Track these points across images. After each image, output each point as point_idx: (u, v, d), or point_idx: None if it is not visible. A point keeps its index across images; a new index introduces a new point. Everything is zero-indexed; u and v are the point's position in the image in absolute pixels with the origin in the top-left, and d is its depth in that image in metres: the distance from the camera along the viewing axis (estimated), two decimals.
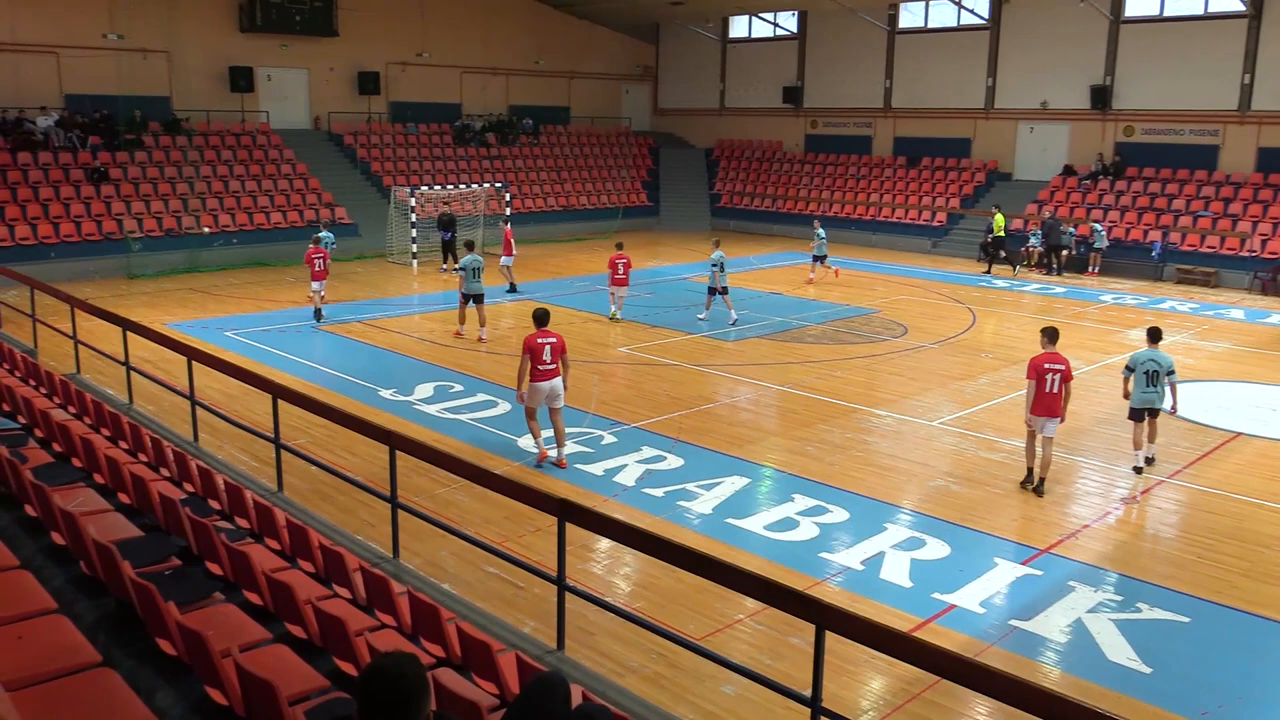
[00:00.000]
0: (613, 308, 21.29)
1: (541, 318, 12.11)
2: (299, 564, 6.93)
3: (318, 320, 20.50)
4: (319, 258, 20.53)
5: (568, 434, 12.83)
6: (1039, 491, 11.62)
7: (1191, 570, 9.72)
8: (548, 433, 12.70)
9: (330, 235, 24.30)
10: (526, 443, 12.92)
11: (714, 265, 20.91)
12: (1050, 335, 11.86)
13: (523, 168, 38.81)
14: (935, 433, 13.92)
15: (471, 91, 39.57)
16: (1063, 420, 11.74)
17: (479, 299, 19.14)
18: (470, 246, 20.20)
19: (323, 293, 20.72)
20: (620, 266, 21.09)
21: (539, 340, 11.93)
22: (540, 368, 11.90)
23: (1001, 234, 29.54)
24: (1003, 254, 29.81)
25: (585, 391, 15.58)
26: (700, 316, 21.40)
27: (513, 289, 24.32)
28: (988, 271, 29.45)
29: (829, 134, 40.20)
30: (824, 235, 26.74)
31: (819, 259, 26.70)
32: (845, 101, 39.35)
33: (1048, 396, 11.60)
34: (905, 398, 15.61)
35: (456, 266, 20.10)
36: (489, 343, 18.93)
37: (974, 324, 21.55)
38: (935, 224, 34.80)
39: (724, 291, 20.90)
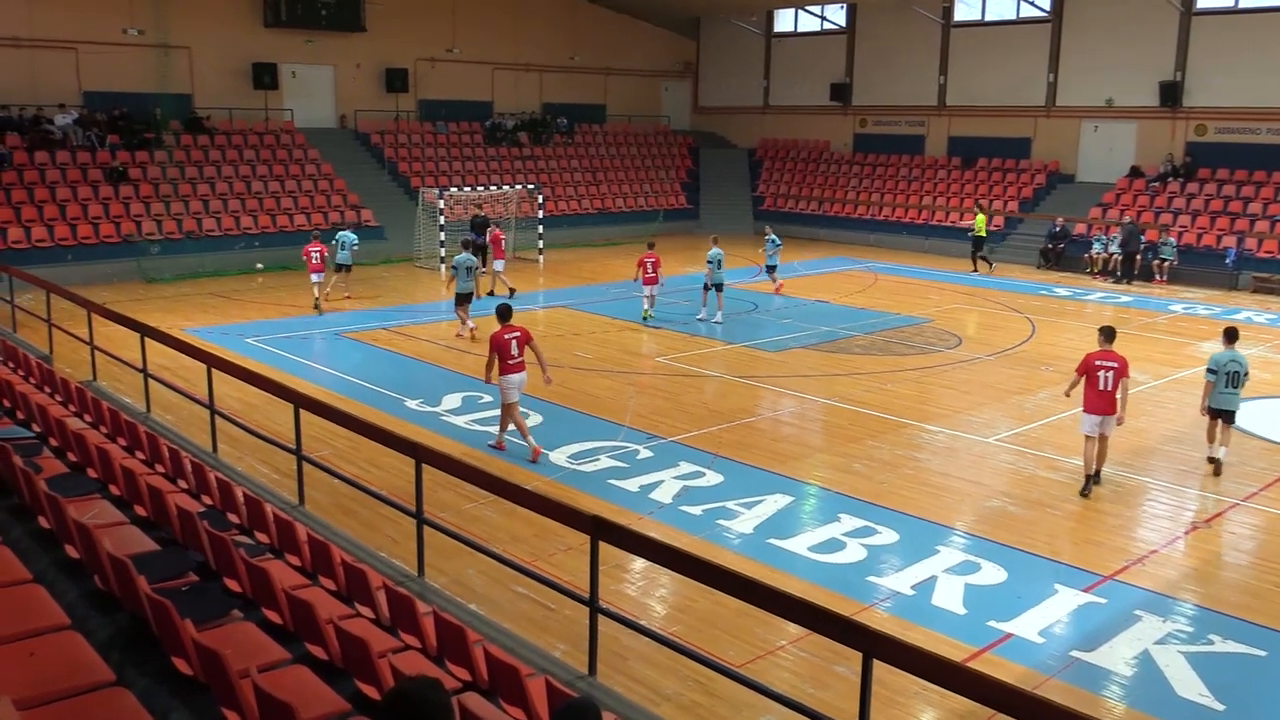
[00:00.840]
0: (645, 306, 22.12)
1: (504, 313, 13.06)
2: (320, 581, 6.97)
3: (316, 311, 22.35)
4: (316, 251, 22.43)
5: (599, 446, 12.85)
6: (1094, 482, 12.13)
7: (1269, 600, 9.54)
8: (533, 420, 12.70)
9: (353, 236, 24.57)
10: (557, 456, 12.95)
11: (710, 262, 21.79)
12: (1107, 334, 12.25)
13: (556, 168, 38.98)
14: (991, 450, 13.79)
15: (503, 89, 39.82)
16: (1120, 421, 12.15)
17: (468, 299, 20.13)
18: (465, 246, 21.06)
19: (329, 289, 22.74)
20: (650, 265, 21.87)
21: (505, 336, 12.81)
22: (509, 362, 12.80)
23: (982, 233, 31.11)
24: (980, 254, 31.17)
25: (620, 404, 15.59)
26: (700, 317, 22.12)
27: (511, 294, 24.54)
28: (974, 270, 30.83)
29: (879, 133, 40.03)
30: (778, 243, 25.58)
31: (770, 269, 25.54)
32: (897, 99, 39.18)
33: (1102, 395, 12.02)
34: (959, 412, 15.48)
35: (451, 267, 20.90)
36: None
37: (1033, 335, 21.34)
38: (992, 228, 34.49)
39: (719, 288, 21.84)
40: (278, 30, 33.45)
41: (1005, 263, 32.45)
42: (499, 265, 25.00)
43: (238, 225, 29.41)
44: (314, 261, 22.39)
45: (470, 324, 20.22)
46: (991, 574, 9.91)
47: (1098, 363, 12.03)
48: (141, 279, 26.43)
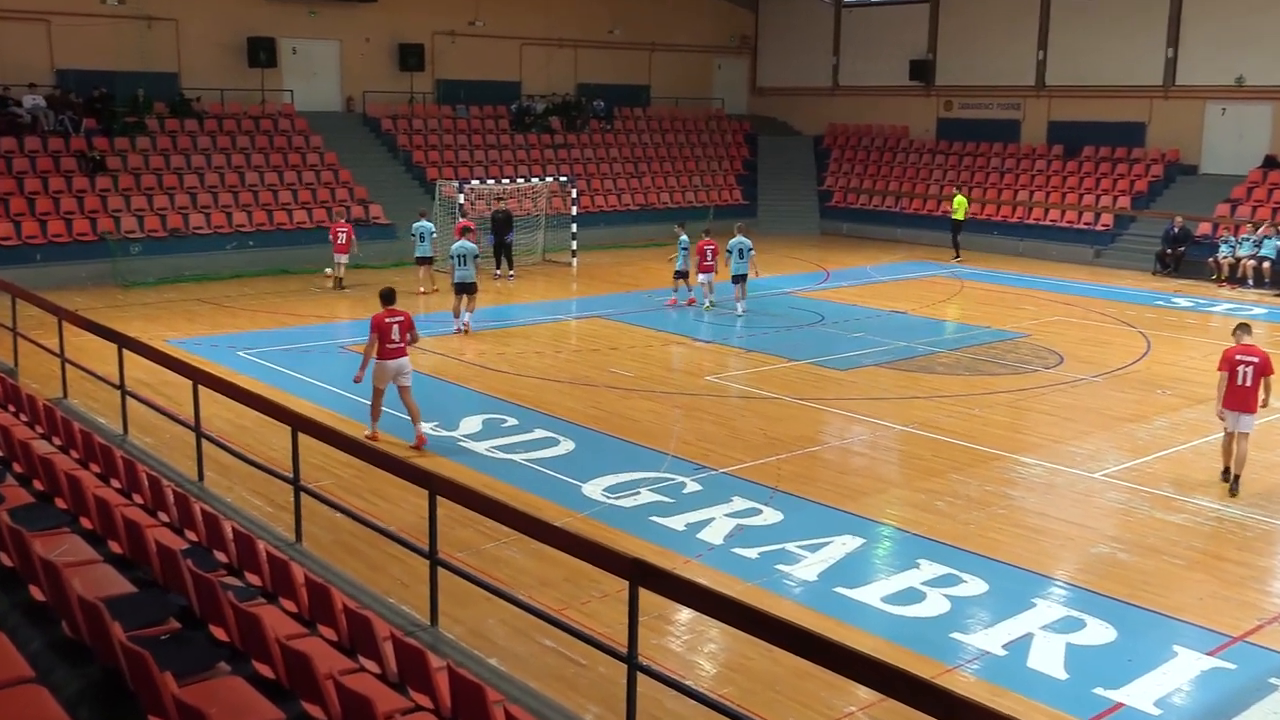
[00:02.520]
0: (708, 298, 24.55)
1: (388, 296, 14.43)
2: (319, 630, 7.00)
3: (337, 286, 26.06)
4: (343, 232, 26.12)
5: (639, 478, 12.85)
6: (1234, 491, 13.11)
7: None
8: (563, 448, 12.69)
9: (431, 225, 26.27)
10: (592, 489, 12.97)
11: (729, 251, 23.79)
12: (1244, 328, 13.46)
13: (592, 158, 39.17)
14: (1097, 487, 13.64)
15: (533, 67, 40.08)
16: (1257, 410, 13.11)
17: (470, 289, 21.59)
18: (463, 233, 22.27)
19: (344, 264, 26.28)
20: (709, 253, 24.11)
21: (387, 320, 14.16)
22: (389, 346, 14.16)
23: (960, 217, 33.37)
24: (957, 241, 33.37)
25: (664, 429, 15.59)
26: (738, 312, 23.88)
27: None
28: (956, 257, 33.16)
29: (967, 118, 39.85)
30: (686, 245, 24.83)
31: (680, 275, 25.07)
32: (987, 78, 38.97)
33: (1240, 390, 13.08)
34: (1059, 442, 15.34)
35: (450, 255, 22.09)
36: (514, 365, 19.09)
37: (1148, 352, 21.11)
38: (1099, 228, 34.22)
39: (683, 276, 24.61)
40: (276, 0, 33.89)
41: (1115, 268, 32.16)
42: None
43: (229, 222, 29.76)
44: (339, 242, 26.23)
45: (459, 320, 21.80)
46: (1098, 632, 9.78)
47: (1238, 357, 13.12)
48: (119, 283, 26.78)
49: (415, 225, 26.26)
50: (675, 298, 25.13)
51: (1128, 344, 21.88)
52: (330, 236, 26.88)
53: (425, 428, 15.18)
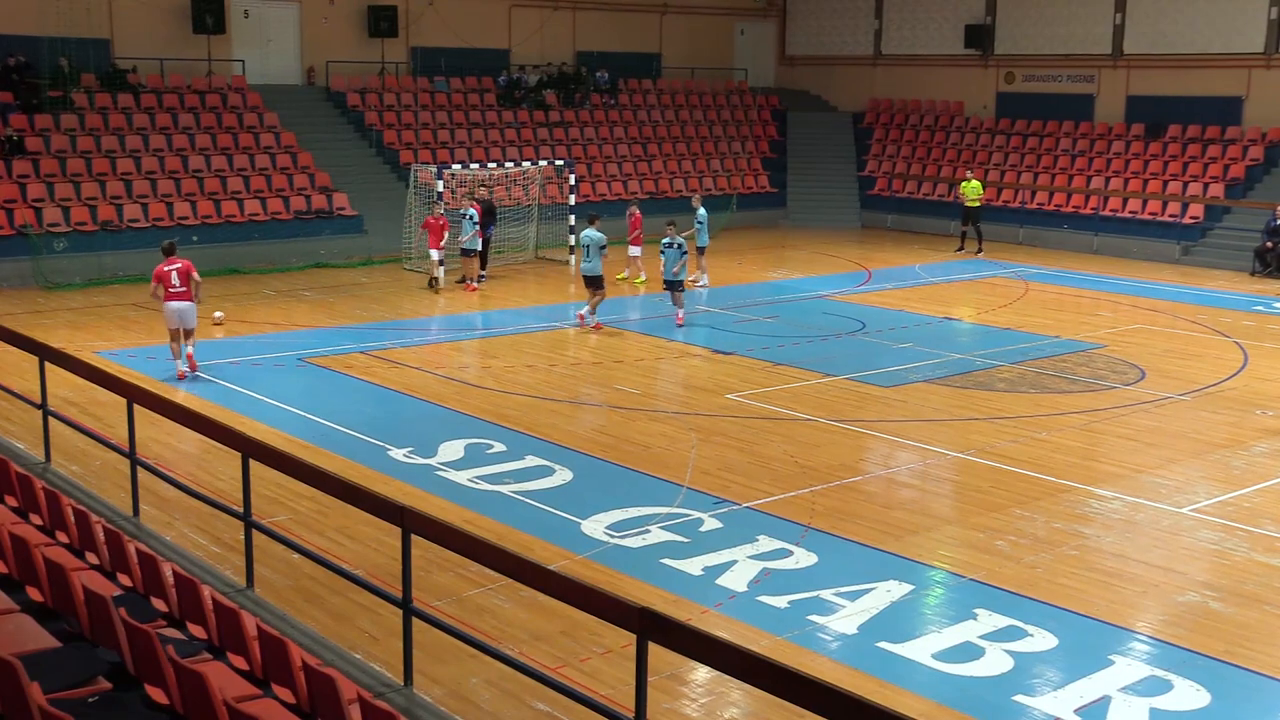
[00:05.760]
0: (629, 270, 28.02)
1: (169, 250, 18.71)
2: (274, 691, 7.00)
3: (431, 287, 27.16)
4: (440, 224, 27.00)
5: (648, 513, 12.93)
6: None
7: None
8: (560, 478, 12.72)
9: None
10: (592, 527, 12.97)
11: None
12: None
13: (594, 138, 39.24)
14: (1186, 524, 13.61)
15: (524, 32, 40.18)
16: None
17: (596, 283, 22.92)
18: (592, 220, 23.69)
19: (442, 262, 27.08)
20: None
21: (165, 268, 18.45)
22: (171, 290, 18.35)
23: (975, 203, 34.08)
24: (970, 229, 34.11)
25: (678, 456, 15.58)
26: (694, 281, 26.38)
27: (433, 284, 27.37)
28: (960, 248, 34.24)
29: (1031, 91, 39.85)
30: (679, 243, 24.11)
31: (672, 284, 24.18)
32: (1055, 46, 38.99)
33: None
34: (1141, 472, 15.32)
35: (582, 245, 23.34)
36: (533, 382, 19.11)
37: (1245, 366, 21.09)
38: (1187, 220, 34.17)
39: (675, 285, 24.25)
40: None
41: (1206, 268, 32.13)
42: (435, 254, 26.98)
43: (170, 214, 29.76)
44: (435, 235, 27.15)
45: (593, 318, 22.96)
46: (1188, 696, 9.75)
47: None
48: (41, 284, 26.84)
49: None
50: (681, 315, 23.75)
51: (1221, 357, 21.85)
52: (424, 226, 27.51)
53: (398, 454, 15.21)
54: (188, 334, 18.85)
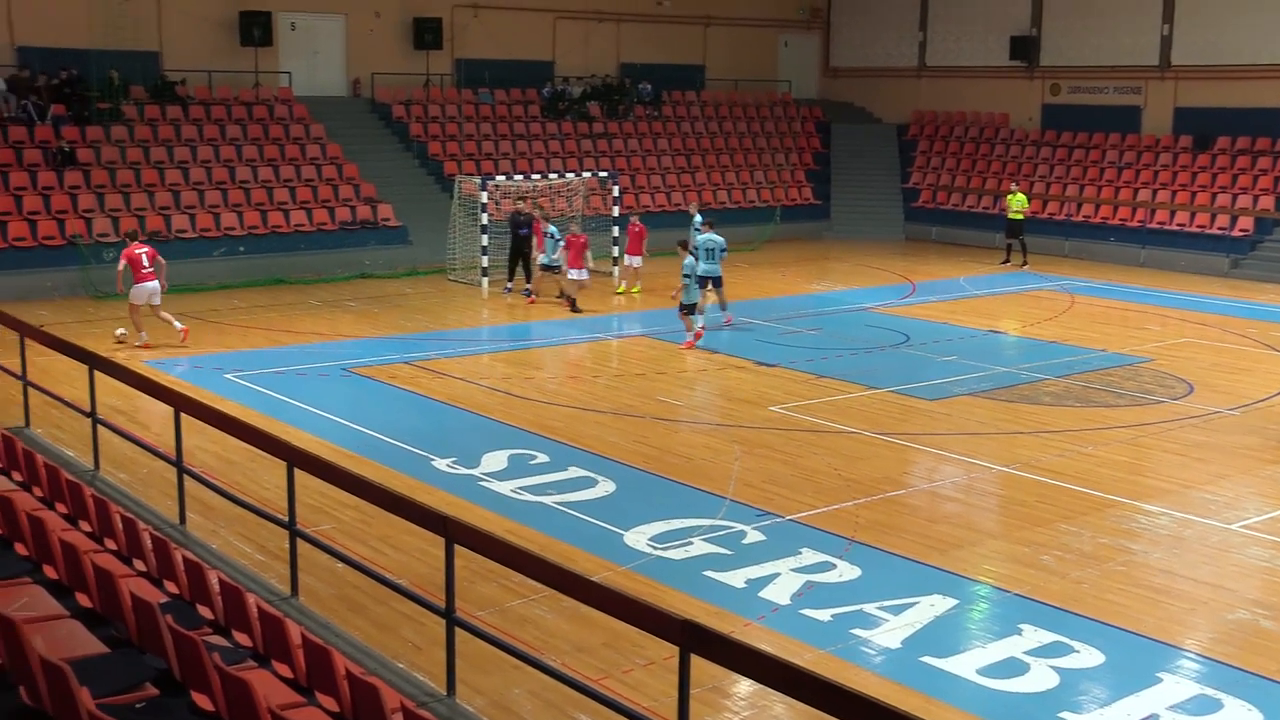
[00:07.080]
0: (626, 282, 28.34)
1: (133, 234, 21.88)
2: (318, 699, 7.03)
3: (572, 308, 26.15)
4: (580, 241, 26.64)
5: (691, 525, 12.92)
6: None
7: None
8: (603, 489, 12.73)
9: (554, 228, 26.74)
10: (635, 539, 12.97)
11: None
12: None
13: (637, 150, 39.28)
14: (1236, 540, 13.49)
15: (568, 45, 40.26)
16: None
17: (691, 310, 22.71)
18: (683, 245, 23.54)
19: (580, 280, 26.53)
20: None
21: (135, 251, 20.96)
22: (142, 271, 20.82)
23: (1019, 216, 33.91)
24: (1015, 241, 33.99)
25: (721, 469, 15.57)
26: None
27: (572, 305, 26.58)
28: (1006, 260, 34.05)
29: (1078, 103, 39.64)
30: (559, 249, 26.07)
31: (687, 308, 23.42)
32: (1102, 57, 38.75)
33: None
34: (1190, 487, 15.19)
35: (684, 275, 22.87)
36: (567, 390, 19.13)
37: None
38: (1237, 233, 33.87)
39: (690, 310, 23.24)
40: None
41: (1256, 281, 31.84)
42: (575, 274, 26.48)
43: (217, 225, 29.98)
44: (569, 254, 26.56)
45: (695, 332, 22.65)
46: (1239, 715, 9.65)
47: None
48: (91, 294, 27.06)
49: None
50: (690, 340, 22.83)
51: (1271, 371, 21.65)
52: (577, 245, 26.66)
53: (441, 465, 15.29)
54: (155, 309, 21.35)
